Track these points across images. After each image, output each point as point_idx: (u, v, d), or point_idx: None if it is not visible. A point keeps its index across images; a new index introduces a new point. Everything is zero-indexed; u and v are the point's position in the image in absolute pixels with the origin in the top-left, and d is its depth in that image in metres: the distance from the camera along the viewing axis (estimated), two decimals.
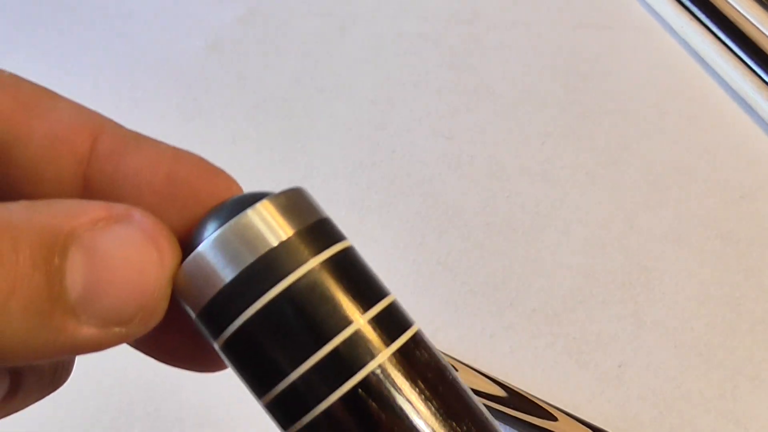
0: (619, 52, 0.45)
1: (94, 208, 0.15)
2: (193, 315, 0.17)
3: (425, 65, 0.46)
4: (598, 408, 0.34)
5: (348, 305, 0.16)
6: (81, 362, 0.39)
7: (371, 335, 0.16)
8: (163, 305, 0.16)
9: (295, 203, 0.17)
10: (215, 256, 0.16)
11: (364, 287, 0.17)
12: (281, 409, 0.16)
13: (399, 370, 0.16)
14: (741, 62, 0.43)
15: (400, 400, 0.16)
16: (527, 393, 0.33)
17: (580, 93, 0.44)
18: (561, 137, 0.42)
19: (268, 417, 0.16)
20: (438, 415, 0.16)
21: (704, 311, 0.36)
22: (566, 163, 0.41)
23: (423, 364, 0.16)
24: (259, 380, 0.16)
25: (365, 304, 0.16)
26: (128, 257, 0.15)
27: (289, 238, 0.16)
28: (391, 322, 0.16)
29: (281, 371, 0.16)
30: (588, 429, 0.32)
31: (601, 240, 0.38)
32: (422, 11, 0.48)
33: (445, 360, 0.17)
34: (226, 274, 0.16)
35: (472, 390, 0.34)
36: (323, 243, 0.16)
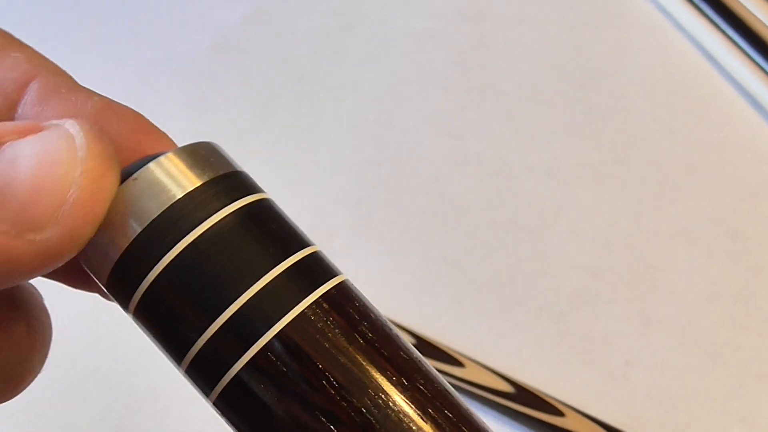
0: (627, 50, 0.45)
1: (25, 123, 0.15)
2: (102, 286, 0.16)
3: (432, 63, 0.46)
4: (605, 406, 0.34)
5: (261, 256, 0.15)
6: (85, 360, 0.39)
7: (288, 286, 0.15)
8: (86, 211, 0.14)
9: (203, 156, 0.16)
10: (118, 215, 0.15)
11: (280, 238, 0.15)
12: (200, 372, 0.15)
13: (321, 322, 0.15)
14: (750, 59, 0.42)
15: (325, 353, 0.14)
16: (534, 389, 0.33)
17: (587, 91, 0.43)
18: (568, 135, 0.42)
19: (191, 386, 0.15)
20: (370, 366, 0.14)
21: (711, 309, 0.36)
22: (573, 162, 0.41)
23: (350, 315, 0.15)
24: (174, 344, 0.15)
25: (280, 255, 0.15)
26: (38, 153, 0.14)
27: (195, 189, 0.15)
28: (311, 273, 0.15)
29: (195, 331, 0.15)
30: (595, 425, 0.32)
31: (608, 238, 0.38)
32: (428, 9, 0.48)
33: (381, 314, 0.16)
34: (130, 233, 0.15)
35: (479, 385, 0.34)
36: (233, 194, 0.15)
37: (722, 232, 0.38)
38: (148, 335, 0.16)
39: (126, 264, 0.15)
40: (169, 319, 0.15)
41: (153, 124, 0.17)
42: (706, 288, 0.37)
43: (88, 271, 0.16)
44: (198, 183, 0.15)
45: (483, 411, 0.34)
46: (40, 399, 0.36)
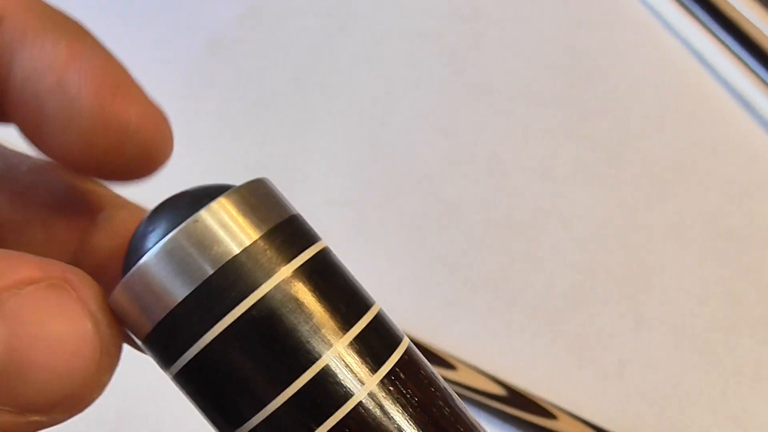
0: (619, 50, 0.45)
1: (26, 268, 0.13)
2: (137, 340, 0.14)
3: (425, 63, 0.46)
4: (599, 406, 0.34)
5: (329, 323, 0.13)
6: None
7: (357, 358, 0.13)
8: (95, 394, 0.13)
9: (258, 199, 0.14)
10: (164, 269, 0.13)
11: (347, 299, 0.14)
12: None
13: (390, 397, 0.13)
14: (740, 60, 0.43)
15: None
16: (527, 392, 0.33)
17: (579, 90, 0.44)
18: (561, 134, 0.42)
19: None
20: None
21: (704, 309, 0.36)
22: (566, 161, 0.41)
23: (416, 388, 0.14)
24: (223, 417, 0.13)
25: (348, 320, 0.14)
26: (58, 335, 0.13)
27: (254, 243, 0.13)
28: (379, 339, 0.14)
29: (251, 406, 0.13)
30: (588, 427, 0.32)
31: (601, 237, 0.38)
32: (422, 9, 0.48)
33: (440, 377, 0.15)
34: (179, 291, 0.13)
35: (471, 388, 0.34)
36: (295, 246, 0.14)
37: (714, 231, 0.38)
38: (191, 401, 0.14)
39: (172, 324, 0.13)
40: (220, 392, 0.13)
41: (124, 75, 0.14)
42: (699, 287, 0.37)
43: (121, 323, 0.14)
44: (256, 236, 0.13)
45: (475, 414, 0.34)
46: None
